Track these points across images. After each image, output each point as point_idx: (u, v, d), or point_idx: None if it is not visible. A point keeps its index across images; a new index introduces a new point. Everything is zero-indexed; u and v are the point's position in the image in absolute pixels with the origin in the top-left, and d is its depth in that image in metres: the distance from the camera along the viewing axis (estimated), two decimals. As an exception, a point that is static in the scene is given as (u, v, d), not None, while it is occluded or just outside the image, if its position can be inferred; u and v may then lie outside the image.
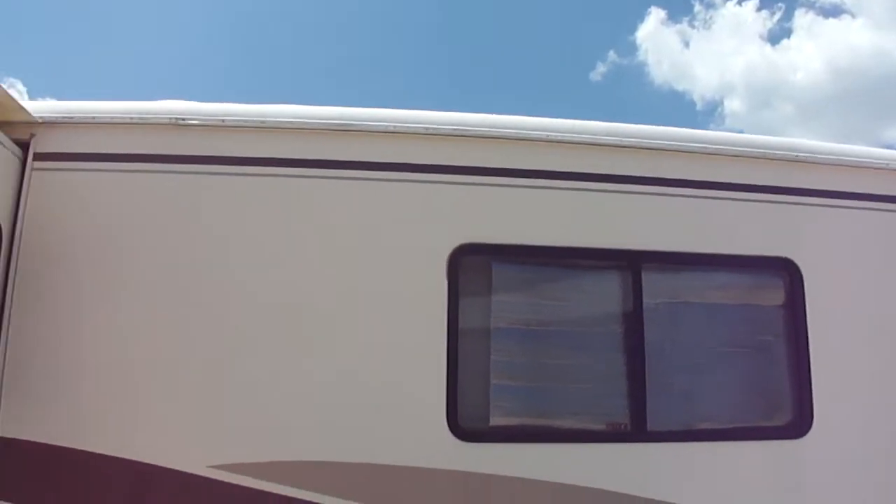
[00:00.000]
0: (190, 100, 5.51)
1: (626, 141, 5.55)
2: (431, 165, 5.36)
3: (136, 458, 4.97)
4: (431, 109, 5.53)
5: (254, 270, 5.19)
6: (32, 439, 5.00)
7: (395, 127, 5.38)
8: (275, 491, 4.94)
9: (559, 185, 5.41)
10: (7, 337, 5.05)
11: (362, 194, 5.31)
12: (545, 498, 5.09)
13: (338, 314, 5.17)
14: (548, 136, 5.45)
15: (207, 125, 5.34)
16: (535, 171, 5.42)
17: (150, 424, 5.02)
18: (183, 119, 5.31)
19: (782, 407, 5.54)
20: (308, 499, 4.95)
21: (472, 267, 5.26)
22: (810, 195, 5.71)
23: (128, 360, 5.08)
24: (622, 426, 5.36)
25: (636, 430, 5.31)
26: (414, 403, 5.08)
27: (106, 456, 4.96)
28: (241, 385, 5.06)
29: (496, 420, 5.18)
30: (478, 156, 5.41)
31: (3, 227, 5.13)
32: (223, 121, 5.32)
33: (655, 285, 5.41)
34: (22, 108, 5.22)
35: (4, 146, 5.16)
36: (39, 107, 5.37)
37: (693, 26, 43.90)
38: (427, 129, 5.37)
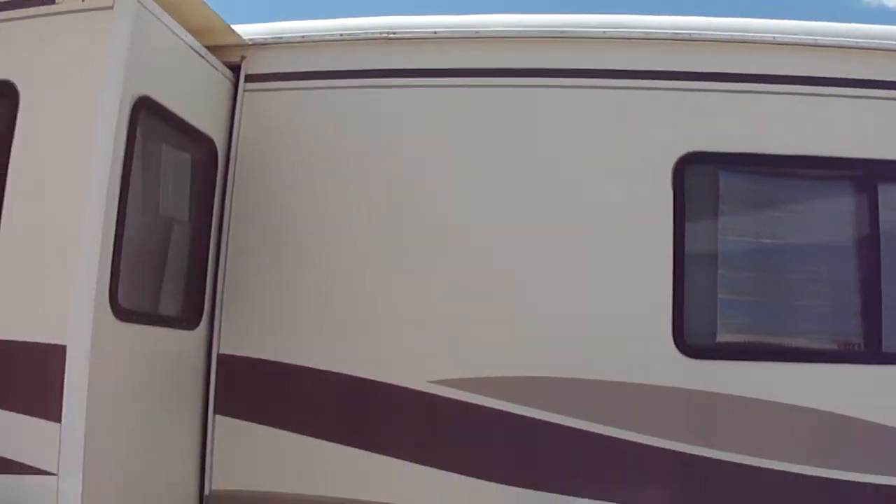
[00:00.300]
0: (398, 14, 5.40)
1: (863, 42, 5.13)
2: (654, 71, 5.10)
3: (356, 374, 4.96)
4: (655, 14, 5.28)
5: (471, 184, 5.10)
6: (253, 356, 5.07)
7: (612, 33, 5.16)
8: (496, 407, 4.88)
9: (790, 90, 5.07)
10: (226, 256, 5.09)
11: (582, 103, 5.14)
12: (772, 418, 4.82)
13: (559, 228, 5.02)
14: (774, 38, 5.11)
15: (419, 38, 5.22)
16: (763, 76, 5.07)
17: (370, 340, 5.02)
18: (393, 33, 5.18)
19: None
20: (531, 415, 4.88)
21: (698, 177, 4.99)
22: None
23: (345, 275, 5.10)
24: (855, 346, 5.02)
25: (870, 350, 4.94)
26: (639, 318, 4.90)
27: (326, 371, 4.99)
28: (461, 300, 5.00)
29: (723, 337, 4.93)
30: (702, 60, 5.12)
31: (218, 149, 5.18)
32: (435, 33, 5.19)
33: (893, 196, 5.00)
34: (232, 32, 5.26)
35: (216, 69, 5.22)
36: (249, 29, 5.41)
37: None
38: (647, 33, 5.13)
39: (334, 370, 5.00)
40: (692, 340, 4.86)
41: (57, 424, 4.05)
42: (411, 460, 4.92)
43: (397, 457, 4.93)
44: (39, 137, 4.36)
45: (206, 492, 5.12)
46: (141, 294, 4.75)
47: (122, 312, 4.33)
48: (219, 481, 5.14)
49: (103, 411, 4.18)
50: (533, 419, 4.85)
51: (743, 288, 4.98)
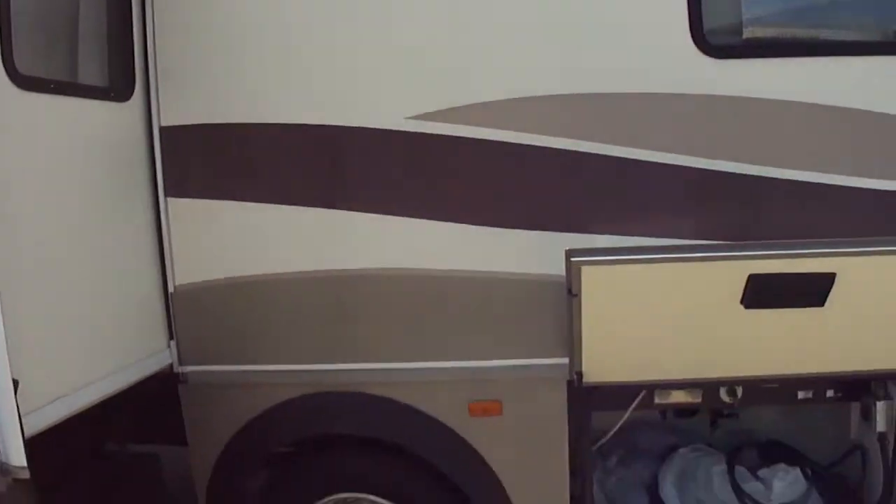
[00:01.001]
0: None
1: None
2: None
3: (324, 122, 4.30)
4: None
5: None
6: (202, 122, 4.40)
7: None
8: (488, 137, 4.19)
9: None
10: (154, 29, 4.35)
11: None
12: (810, 122, 4.12)
13: None
14: None
15: None
16: None
17: (334, 82, 4.29)
18: None
19: None
20: (531, 143, 4.17)
21: None
22: None
23: (301, 14, 4.33)
24: (896, 34, 4.19)
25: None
26: (649, 16, 4.11)
27: (289, 125, 4.33)
28: (429, 21, 4.24)
29: (752, 31, 4.17)
30: None
31: None
32: None
33: None
34: None
35: None
36: None
37: None
38: None
39: (298, 122, 4.29)
40: (714, 39, 4.09)
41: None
42: (397, 214, 4.28)
43: (381, 212, 4.29)
44: None
45: (171, 289, 4.51)
46: (49, 61, 4.02)
47: (24, 80, 3.57)
48: (183, 275, 4.52)
49: (17, 196, 3.48)
50: (535, 147, 4.16)
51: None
